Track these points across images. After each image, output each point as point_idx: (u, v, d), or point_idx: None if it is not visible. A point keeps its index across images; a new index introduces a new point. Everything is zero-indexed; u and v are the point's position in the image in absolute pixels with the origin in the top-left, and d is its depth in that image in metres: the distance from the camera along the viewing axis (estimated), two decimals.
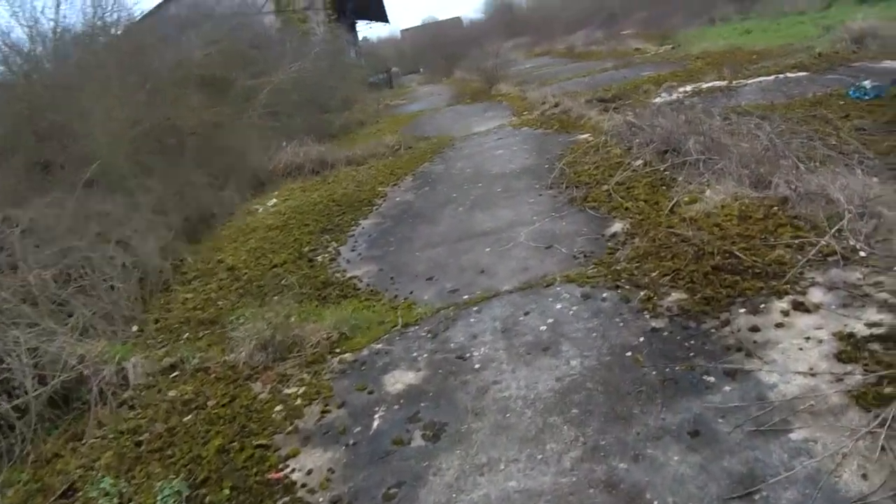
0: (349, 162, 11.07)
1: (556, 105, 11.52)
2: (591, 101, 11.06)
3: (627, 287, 4.05)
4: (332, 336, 4.46)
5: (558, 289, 4.28)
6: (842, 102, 7.92)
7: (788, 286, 3.64)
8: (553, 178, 7.01)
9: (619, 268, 4.34)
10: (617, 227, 5.13)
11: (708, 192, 5.03)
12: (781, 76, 10.52)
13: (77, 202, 7.42)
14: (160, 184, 8.76)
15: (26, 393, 4.17)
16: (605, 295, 4.04)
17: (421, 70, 41.60)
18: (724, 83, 10.90)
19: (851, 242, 3.92)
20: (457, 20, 63.28)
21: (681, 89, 11.13)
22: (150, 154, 9.54)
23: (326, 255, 6.48)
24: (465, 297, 4.57)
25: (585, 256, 4.72)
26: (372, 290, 5.19)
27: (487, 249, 5.41)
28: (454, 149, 10.58)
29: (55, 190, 7.80)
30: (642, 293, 3.93)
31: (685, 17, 25.72)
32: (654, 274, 4.08)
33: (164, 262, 7.05)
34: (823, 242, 3.92)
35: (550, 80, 17.80)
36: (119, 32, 11.95)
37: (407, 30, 62.51)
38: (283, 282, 5.98)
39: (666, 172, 6.00)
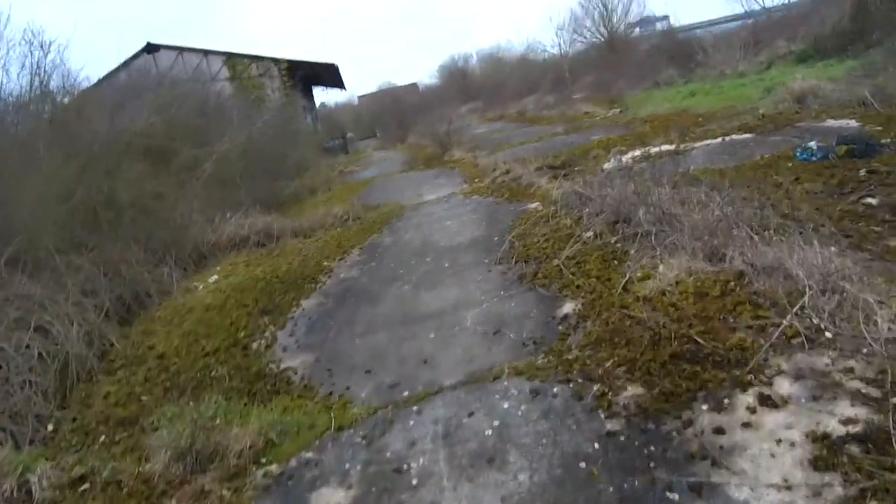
0: (296, 233, 10.68)
1: (507, 172, 11.39)
2: (541, 168, 10.95)
3: (580, 380, 3.68)
4: (258, 443, 3.99)
5: (506, 383, 3.89)
6: (790, 165, 7.88)
7: (752, 376, 3.34)
8: (502, 251, 6.71)
9: (570, 357, 3.98)
10: (568, 307, 4.81)
11: (661, 268, 4.76)
12: (728, 139, 10.59)
13: None
14: (92, 261, 8.25)
15: None
16: (555, 390, 3.66)
17: (378, 134, 41.85)
18: (672, 147, 10.91)
19: (815, 321, 3.66)
20: (413, 86, 64.47)
21: (630, 154, 11.11)
22: (84, 228, 9.05)
23: (263, 340, 6.01)
24: (406, 393, 4.15)
25: (535, 343, 4.35)
26: (306, 385, 4.73)
27: (432, 335, 5.01)
28: (403, 219, 10.29)
29: None
30: (596, 388, 3.57)
31: (631, 81, 26.49)
32: (608, 364, 3.73)
33: (89, 350, 6.50)
34: (786, 323, 3.65)
35: (503, 146, 17.86)
36: (63, 100, 11.57)
37: (364, 95, 63.43)
38: (212, 373, 5.49)
39: (618, 245, 5.75)
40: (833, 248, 4.49)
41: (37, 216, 7.96)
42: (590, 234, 6.26)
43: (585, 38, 40.75)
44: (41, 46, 10.20)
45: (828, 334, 3.55)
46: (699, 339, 3.68)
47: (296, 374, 5.02)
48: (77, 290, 7.54)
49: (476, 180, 12.40)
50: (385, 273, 7.27)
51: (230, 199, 12.02)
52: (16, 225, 7.80)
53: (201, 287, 8.80)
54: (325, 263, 8.37)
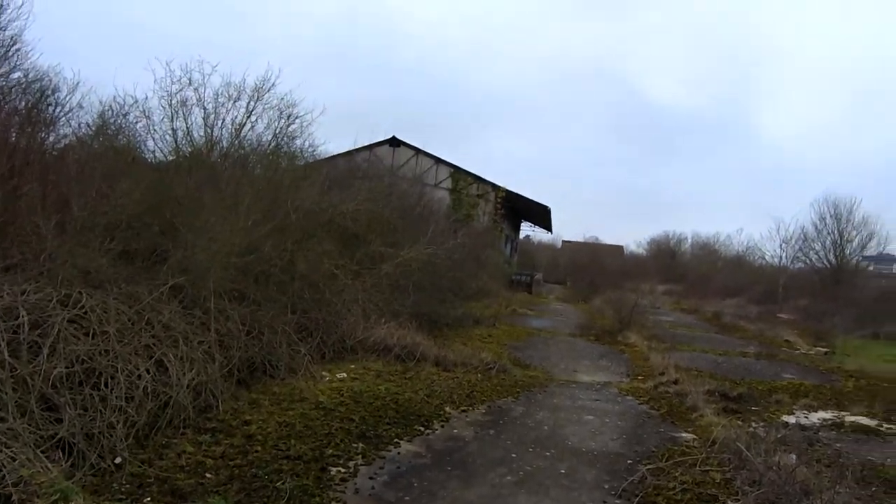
0: (438, 362, 10.34)
1: (675, 383, 10.35)
2: (712, 393, 9.79)
3: None
4: None
5: None
6: None
7: None
8: (629, 483, 5.79)
9: None
10: None
11: None
12: None
13: (149, 305, 7.20)
14: (241, 315, 8.48)
15: None
16: None
17: (567, 283, 41.70)
18: (872, 423, 9.27)
19: None
20: (618, 248, 64.32)
21: (819, 414, 9.65)
22: (255, 281, 9.43)
23: (344, 470, 5.61)
24: None
25: None
26: None
27: None
28: (546, 392, 9.58)
29: (142, 283, 7.69)
30: None
31: (847, 322, 23.67)
32: None
33: (192, 402, 6.47)
34: None
35: (683, 346, 16.66)
36: (286, 165, 12.60)
37: (568, 242, 64.12)
38: (278, 483, 5.15)
39: None
40: None
41: (214, 259, 8.41)
42: None
43: (810, 259, 37.86)
44: (288, 117, 11.36)
45: None
46: None
47: None
48: (215, 338, 7.73)
49: (639, 377, 11.43)
50: (497, 450, 6.60)
51: (393, 305, 12.12)
52: (193, 261, 8.29)
53: (327, 379, 8.71)
54: (447, 409, 7.92)
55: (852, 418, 9.52)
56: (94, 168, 8.71)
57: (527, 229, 48.81)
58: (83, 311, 6.24)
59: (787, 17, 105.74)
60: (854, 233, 36.34)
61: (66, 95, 10.42)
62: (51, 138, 9.96)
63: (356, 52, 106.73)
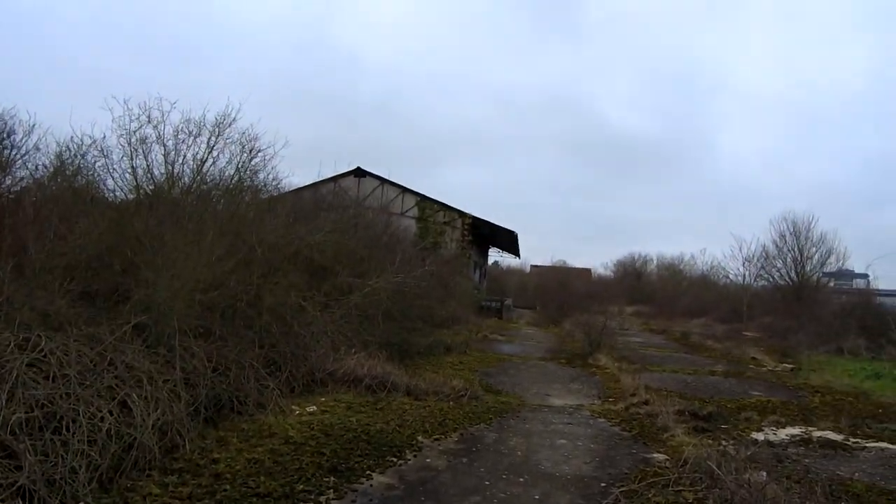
0: (409, 391, 10.28)
1: (646, 403, 10.42)
2: (682, 413, 9.86)
3: None
4: None
5: None
6: None
7: None
8: None
9: None
10: None
11: None
12: None
13: (111, 345, 7.03)
14: (207, 351, 8.32)
15: None
16: None
17: (537, 307, 41.80)
18: (839, 437, 9.43)
19: None
20: (586, 271, 64.78)
21: (788, 430, 9.78)
22: (220, 317, 9.28)
23: None
24: None
25: None
26: None
27: None
28: (519, 418, 9.56)
29: (103, 323, 7.52)
30: None
31: (811, 338, 24.06)
32: None
33: (157, 442, 6.29)
34: None
35: (653, 367, 16.81)
36: (251, 199, 12.48)
37: (536, 266, 64.40)
38: None
39: None
40: None
41: (177, 296, 8.28)
42: None
43: (773, 277, 38.43)
44: (250, 151, 11.32)
45: None
46: None
47: None
48: (181, 376, 7.57)
49: (610, 399, 11.49)
50: (470, 479, 6.55)
51: (362, 335, 12.03)
52: (156, 299, 8.15)
53: (297, 412, 8.58)
54: (420, 438, 7.85)
55: (820, 433, 9.65)
56: (51, 210, 8.56)
57: (495, 255, 49.11)
58: (42, 354, 6.13)
59: (737, 50, 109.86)
60: (813, 249, 36.94)
61: (22, 138, 10.25)
62: (7, 182, 9.78)
63: (314, 89, 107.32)
